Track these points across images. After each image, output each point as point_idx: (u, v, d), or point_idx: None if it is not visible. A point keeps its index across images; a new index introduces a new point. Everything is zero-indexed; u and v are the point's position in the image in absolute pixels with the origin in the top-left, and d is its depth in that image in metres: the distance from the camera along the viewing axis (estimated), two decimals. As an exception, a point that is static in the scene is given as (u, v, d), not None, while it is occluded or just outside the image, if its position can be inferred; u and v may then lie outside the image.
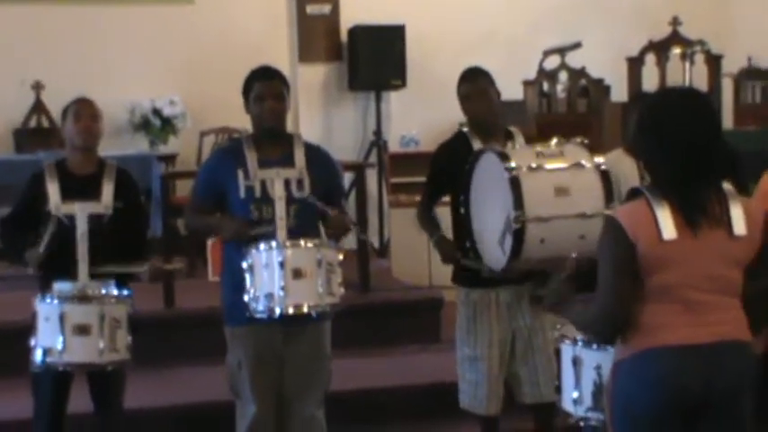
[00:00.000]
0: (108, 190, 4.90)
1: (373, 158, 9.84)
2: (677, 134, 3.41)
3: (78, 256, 4.73)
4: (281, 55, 9.74)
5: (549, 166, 4.41)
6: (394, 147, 10.17)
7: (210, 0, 9.92)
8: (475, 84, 5.01)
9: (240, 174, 4.70)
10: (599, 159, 4.47)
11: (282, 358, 4.76)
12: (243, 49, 9.10)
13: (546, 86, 9.95)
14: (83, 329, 4.58)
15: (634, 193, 3.51)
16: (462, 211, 4.75)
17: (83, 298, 4.65)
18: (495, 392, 5.01)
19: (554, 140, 4.58)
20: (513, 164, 4.35)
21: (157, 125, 9.59)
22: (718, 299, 3.42)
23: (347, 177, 7.60)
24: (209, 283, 7.08)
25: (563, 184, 4.38)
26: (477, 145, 4.88)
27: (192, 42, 9.79)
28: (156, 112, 9.57)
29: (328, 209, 4.68)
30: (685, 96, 3.64)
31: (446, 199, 5.08)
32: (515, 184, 4.30)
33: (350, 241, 6.68)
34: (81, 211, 4.80)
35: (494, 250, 4.50)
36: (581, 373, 3.93)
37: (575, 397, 3.97)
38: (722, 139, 3.53)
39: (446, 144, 5.16)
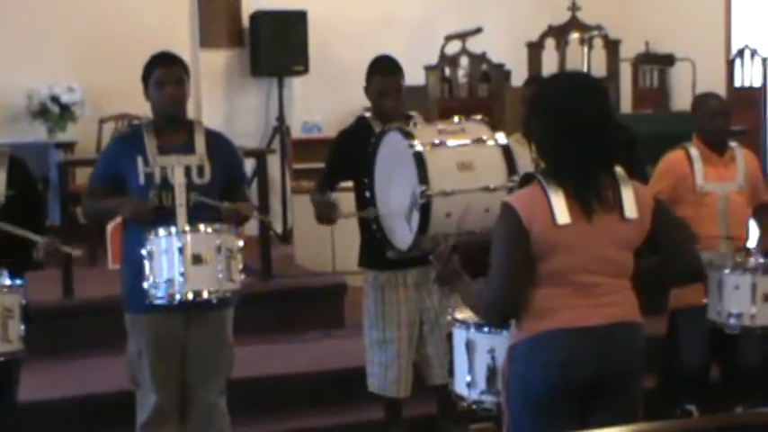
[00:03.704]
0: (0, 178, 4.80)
1: (276, 145, 9.81)
2: (567, 117, 3.45)
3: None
4: (182, 40, 9.64)
5: (452, 142, 4.45)
6: (296, 133, 10.15)
7: (109, -15, 9.80)
8: (391, 80, 5.00)
9: (139, 160, 4.67)
10: (499, 134, 4.52)
11: (184, 346, 4.73)
12: (143, 35, 8.97)
13: (447, 72, 10.00)
14: (-27, 320, 4.49)
15: (528, 179, 3.55)
16: (367, 194, 4.76)
17: (-28, 289, 4.55)
18: (405, 374, 5.05)
19: (455, 118, 4.62)
20: (416, 140, 4.39)
21: (56, 112, 9.43)
22: (610, 281, 3.48)
23: (249, 164, 7.57)
24: (109, 272, 7.00)
25: (466, 159, 4.42)
26: (378, 130, 4.88)
27: (91, 27, 9.64)
28: (55, 98, 9.40)
29: (219, 203, 4.64)
30: (575, 80, 3.70)
31: (350, 185, 5.08)
32: (420, 159, 4.33)
33: (252, 228, 6.67)
34: (-28, 200, 4.70)
35: (401, 229, 4.52)
36: (474, 356, 3.95)
37: (468, 380, 3.99)
38: (614, 122, 3.58)
39: (347, 130, 5.17)
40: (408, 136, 4.43)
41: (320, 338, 6.90)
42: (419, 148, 4.35)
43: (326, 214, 4.96)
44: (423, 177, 4.30)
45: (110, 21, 9.68)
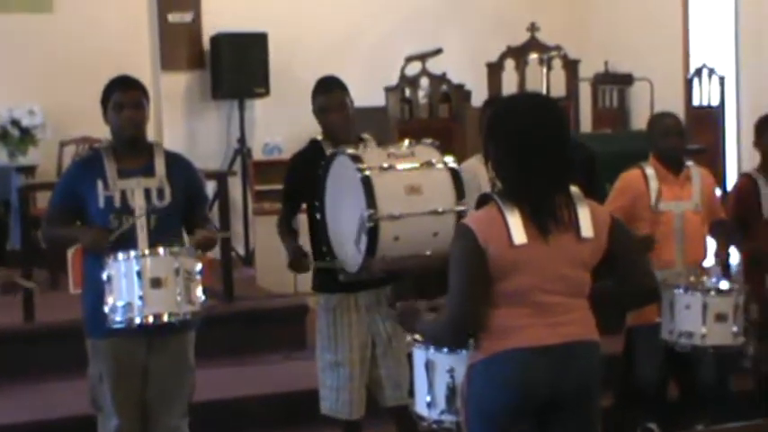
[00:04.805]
0: (-40, 203, 4.80)
1: (237, 167, 9.82)
2: (522, 138, 3.48)
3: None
4: (142, 63, 9.66)
5: (401, 165, 4.49)
6: (258, 155, 10.16)
7: (70, 8, 9.76)
8: (331, 96, 5.03)
9: (99, 184, 4.67)
10: (449, 158, 4.57)
11: (145, 369, 4.73)
12: (104, 58, 8.99)
13: (407, 92, 10.04)
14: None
15: (485, 199, 3.58)
16: (318, 216, 4.79)
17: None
18: (358, 397, 5.05)
19: (405, 142, 4.66)
20: (364, 164, 4.42)
21: (16, 136, 9.38)
22: (567, 300, 3.50)
23: (211, 186, 7.58)
24: (71, 296, 6.97)
25: (414, 183, 4.46)
26: (329, 152, 4.90)
27: (51, 51, 9.63)
28: (15, 122, 9.36)
29: (186, 242, 4.65)
30: (530, 100, 3.74)
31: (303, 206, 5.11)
32: (367, 183, 4.37)
33: (214, 250, 6.66)
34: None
35: (351, 252, 4.55)
36: (434, 376, 3.96)
37: (428, 400, 4.01)
38: (570, 142, 3.61)
39: (299, 153, 5.19)
40: (356, 160, 4.46)
41: (282, 360, 6.90)
42: (367, 172, 4.39)
43: (298, 263, 4.98)
44: (370, 201, 4.34)
45: (70, 44, 9.67)
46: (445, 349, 3.91)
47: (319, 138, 5.09)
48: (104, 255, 4.52)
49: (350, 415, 5.05)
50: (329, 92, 5.04)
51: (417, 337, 4.04)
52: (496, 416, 3.47)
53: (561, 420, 3.50)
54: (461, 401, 3.63)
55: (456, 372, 3.86)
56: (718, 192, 6.21)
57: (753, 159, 6.53)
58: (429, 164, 4.52)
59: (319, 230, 4.81)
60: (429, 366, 3.98)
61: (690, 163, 5.75)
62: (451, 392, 3.90)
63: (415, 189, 4.44)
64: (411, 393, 4.18)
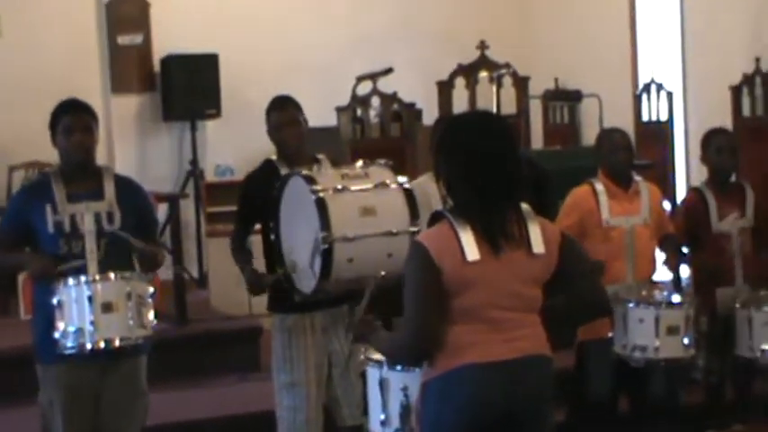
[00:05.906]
0: None
1: (190, 189, 9.79)
2: (470, 156, 3.51)
3: None
4: (92, 86, 9.63)
5: (355, 187, 4.49)
6: (210, 176, 10.14)
7: (18, 32, 9.72)
8: (285, 113, 5.08)
9: (48, 209, 4.63)
10: (402, 179, 4.58)
11: (97, 395, 4.69)
12: (53, 82, 8.94)
13: (359, 112, 10.04)
14: None
15: (437, 217, 3.60)
16: (272, 237, 4.78)
17: None
18: (315, 417, 5.04)
19: (359, 163, 4.67)
20: (318, 186, 4.42)
21: (-37, 161, 9.34)
22: (519, 316, 3.52)
23: (163, 208, 7.55)
24: (22, 322, 6.93)
25: (369, 204, 4.46)
26: (284, 172, 4.91)
27: (-1, 75, 9.58)
28: (-38, 147, 9.32)
29: (137, 242, 4.63)
30: (479, 118, 3.78)
31: (258, 227, 5.10)
32: (321, 205, 4.37)
33: (167, 273, 6.65)
34: None
35: (305, 273, 4.55)
36: (388, 394, 3.98)
37: (382, 419, 4.02)
38: (519, 160, 3.64)
39: (253, 174, 5.20)
40: (311, 181, 4.47)
41: (236, 382, 6.88)
42: (321, 193, 4.39)
43: (257, 286, 4.99)
44: (324, 223, 4.34)
45: (18, 68, 9.62)
46: (399, 367, 3.93)
47: (273, 158, 5.10)
48: (54, 280, 4.49)
49: (307, 436, 5.05)
50: (283, 108, 5.09)
51: (371, 355, 4.05)
52: (451, 432, 3.48)
53: (517, 434, 3.52)
54: (416, 419, 3.64)
55: (410, 390, 3.87)
56: (667, 206, 6.27)
57: (701, 173, 6.60)
58: (383, 185, 4.52)
59: (273, 251, 4.81)
60: (383, 384, 3.99)
61: (638, 178, 5.80)
62: (405, 410, 3.91)
63: (370, 210, 4.44)
64: (365, 412, 4.18)
